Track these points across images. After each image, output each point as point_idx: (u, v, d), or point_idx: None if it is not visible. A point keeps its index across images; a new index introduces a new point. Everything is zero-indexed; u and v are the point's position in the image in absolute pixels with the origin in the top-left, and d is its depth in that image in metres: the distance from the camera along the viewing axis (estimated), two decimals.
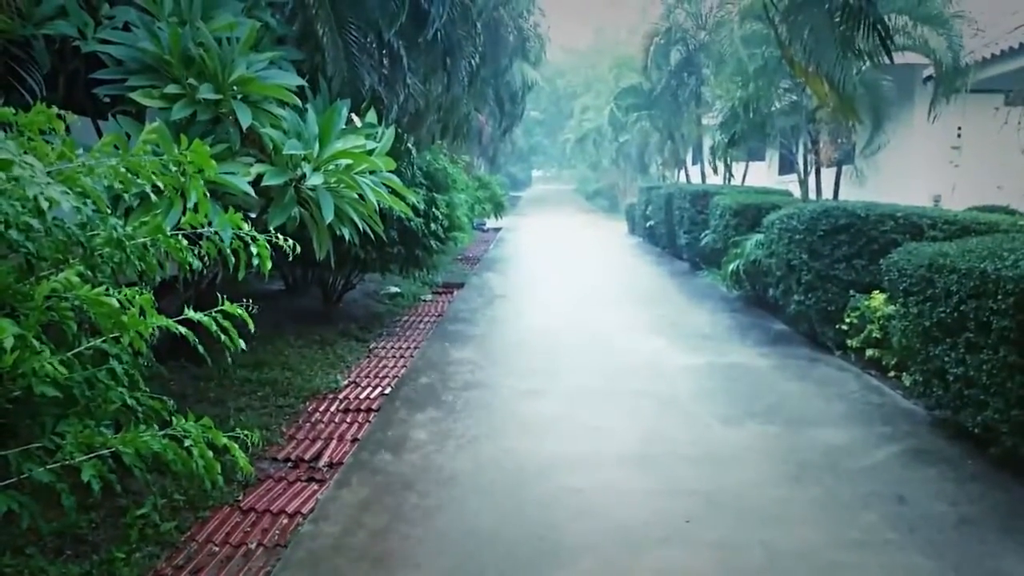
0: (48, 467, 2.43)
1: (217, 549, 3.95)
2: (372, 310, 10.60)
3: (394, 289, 11.82)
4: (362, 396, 6.67)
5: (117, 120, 4.31)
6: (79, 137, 3.40)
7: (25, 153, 2.62)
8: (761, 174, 19.78)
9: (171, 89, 4.19)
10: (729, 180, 18.50)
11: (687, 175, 23.97)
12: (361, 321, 9.66)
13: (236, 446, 3.11)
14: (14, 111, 2.83)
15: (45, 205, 2.49)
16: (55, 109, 2.90)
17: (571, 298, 12.33)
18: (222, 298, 3.21)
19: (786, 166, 17.49)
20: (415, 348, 8.55)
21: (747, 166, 19.50)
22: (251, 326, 3.25)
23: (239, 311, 3.22)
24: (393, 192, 5.43)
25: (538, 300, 12.26)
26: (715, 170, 19.10)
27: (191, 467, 2.93)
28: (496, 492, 4.70)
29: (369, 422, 6.00)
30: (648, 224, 21.18)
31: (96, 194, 2.92)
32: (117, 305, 2.70)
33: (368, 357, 8.15)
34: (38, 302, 2.50)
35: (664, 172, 27.67)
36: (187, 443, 2.93)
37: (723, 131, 15.61)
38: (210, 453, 3.00)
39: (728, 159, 17.34)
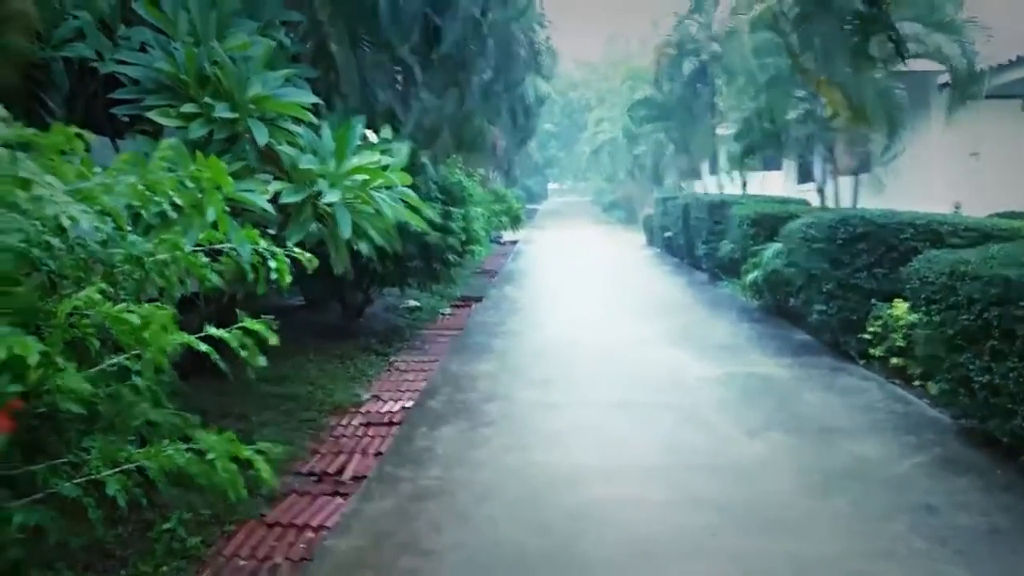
0: (74, 482, 2.44)
1: (243, 563, 3.94)
2: (392, 324, 10.60)
3: (413, 303, 11.83)
4: (384, 410, 6.66)
5: (135, 140, 4.35)
6: (99, 157, 3.44)
7: (45, 173, 2.65)
8: (778, 183, 19.72)
9: (187, 108, 4.24)
10: (745, 190, 18.45)
11: (703, 186, 23.95)
12: (381, 335, 9.66)
13: (260, 460, 3.10)
14: (34, 132, 2.87)
15: (66, 223, 2.52)
16: (74, 129, 2.93)
17: (590, 310, 12.29)
18: (242, 314, 3.21)
19: (803, 175, 17.42)
20: (435, 361, 8.54)
21: (764, 176, 19.46)
22: (272, 341, 3.26)
23: (259, 327, 3.23)
24: (409, 207, 5.45)
25: (557, 312, 12.23)
26: (731, 180, 19.07)
27: (215, 481, 2.93)
28: (519, 505, 4.67)
29: (392, 436, 5.99)
30: (665, 235, 21.12)
31: (116, 212, 2.94)
32: (138, 322, 2.72)
33: (389, 371, 8.14)
34: (61, 320, 2.52)
35: (680, 183, 27.65)
36: (210, 457, 2.93)
37: (738, 141, 15.60)
38: (233, 467, 2.99)
39: (744, 169, 17.30)
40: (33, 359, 2.28)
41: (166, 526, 4.05)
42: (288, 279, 3.47)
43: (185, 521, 4.17)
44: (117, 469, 2.55)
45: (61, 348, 2.45)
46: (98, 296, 2.63)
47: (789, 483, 4.94)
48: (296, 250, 3.54)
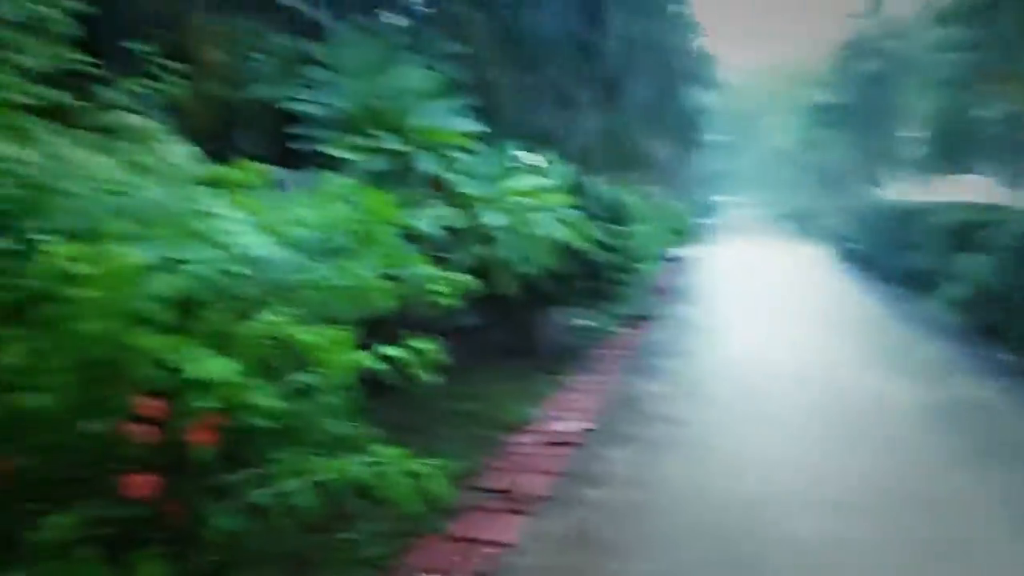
0: (266, 491, 2.61)
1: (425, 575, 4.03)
2: (563, 344, 10.59)
3: (583, 322, 11.77)
4: (558, 429, 6.64)
5: (317, 173, 4.67)
6: (286, 189, 3.73)
7: (232, 206, 2.92)
8: (972, 188, 18.20)
9: (359, 141, 4.49)
10: (935, 196, 17.18)
11: (887, 192, 22.55)
12: (553, 355, 9.65)
13: (437, 474, 3.19)
14: (224, 168, 3.16)
15: (249, 252, 2.75)
16: (256, 164, 3.21)
17: (769, 328, 11.78)
18: (405, 333, 3.35)
19: (1005, 178, 15.99)
20: (608, 382, 8.45)
21: (955, 180, 18.04)
22: (445, 360, 3.37)
23: (430, 346, 3.35)
24: (572, 226, 5.49)
25: (733, 330, 11.81)
26: (918, 186, 17.82)
27: (393, 494, 3.04)
28: (699, 533, 4.50)
29: (567, 455, 5.95)
30: (848, 246, 19.98)
31: (297, 241, 3.17)
32: (318, 342, 2.90)
33: (562, 390, 8.11)
34: (251, 341, 2.72)
35: (862, 190, 26.17)
36: (388, 470, 3.05)
37: (925, 144, 14.57)
38: (409, 480, 3.09)
39: (933, 173, 16.13)
40: (226, 378, 2.47)
41: (349, 536, 4.20)
42: (454, 301, 3.60)
43: (367, 533, 4.30)
44: (303, 480, 2.71)
45: (250, 367, 2.63)
46: (284, 318, 2.84)
47: (1008, 522, 4.47)
48: (457, 274, 3.67)
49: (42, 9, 3.29)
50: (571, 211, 5.44)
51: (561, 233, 5.17)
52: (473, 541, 4.44)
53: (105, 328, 2.25)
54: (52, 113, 3.15)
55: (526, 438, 6.43)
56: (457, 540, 4.46)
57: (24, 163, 2.52)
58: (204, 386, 2.40)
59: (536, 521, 4.69)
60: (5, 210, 2.35)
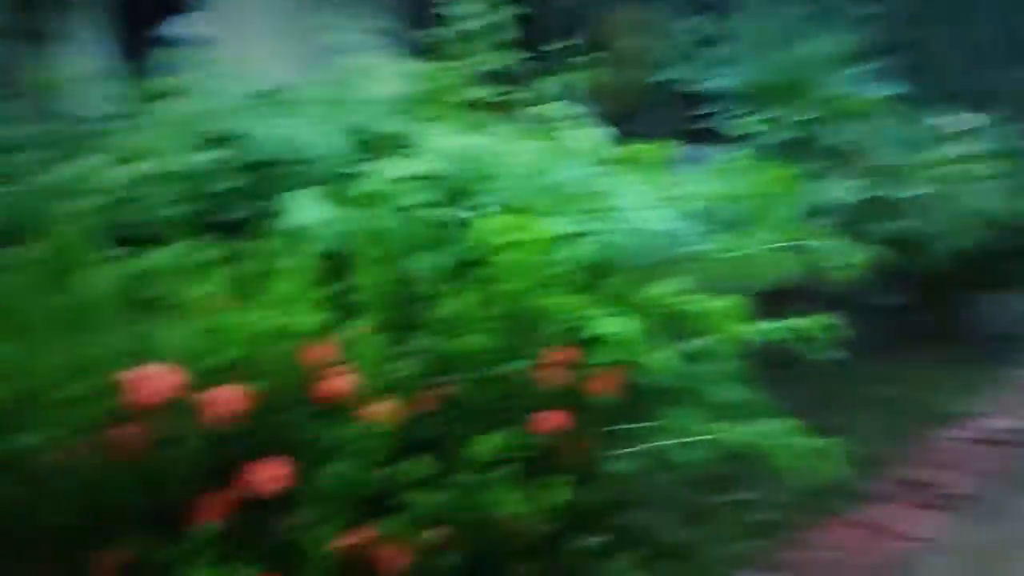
0: (655, 444, 2.84)
1: (823, 554, 3.95)
2: (1008, 332, 9.31)
3: None
4: (994, 426, 5.93)
5: (718, 148, 4.80)
6: (688, 165, 3.95)
7: (637, 184, 3.21)
8: None
9: (761, 115, 4.51)
10: None
11: None
12: (993, 343, 8.54)
13: (837, 454, 3.12)
14: (634, 148, 3.49)
15: (651, 226, 3.00)
16: (665, 143, 3.48)
17: None
18: (816, 309, 3.31)
19: None
20: None
21: None
22: (852, 339, 3.28)
23: (833, 322, 3.28)
24: (1013, 198, 4.89)
25: None
26: None
27: (787, 466, 3.06)
28: None
29: (1004, 456, 5.34)
30: None
31: (695, 214, 3.36)
32: (712, 310, 3.04)
33: (1003, 384, 7.18)
34: (647, 306, 2.97)
35: None
36: (783, 442, 3.07)
37: None
38: (807, 456, 3.07)
39: None
40: (625, 337, 2.75)
41: (734, 499, 4.23)
42: (857, 276, 3.49)
43: (756, 500, 4.28)
44: (691, 438, 2.88)
45: (647, 330, 2.88)
46: (676, 287, 3.04)
47: None
48: (862, 249, 3.54)
49: (491, 20, 3.92)
50: (1013, 180, 4.82)
51: (997, 206, 4.61)
52: (878, 530, 4.22)
53: (524, 288, 2.66)
54: (495, 106, 3.76)
55: (952, 432, 5.84)
56: (859, 526, 4.27)
57: (471, 149, 3.07)
58: (605, 342, 2.70)
59: (956, 522, 4.30)
60: (455, 187, 2.91)
